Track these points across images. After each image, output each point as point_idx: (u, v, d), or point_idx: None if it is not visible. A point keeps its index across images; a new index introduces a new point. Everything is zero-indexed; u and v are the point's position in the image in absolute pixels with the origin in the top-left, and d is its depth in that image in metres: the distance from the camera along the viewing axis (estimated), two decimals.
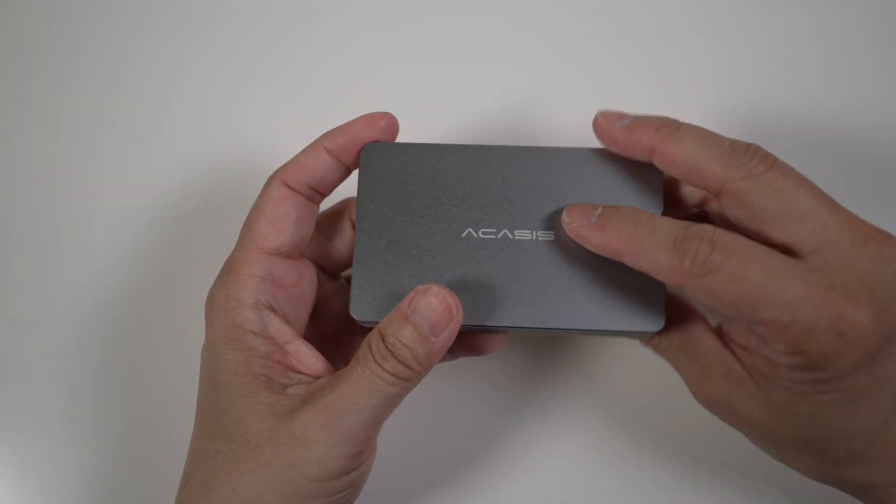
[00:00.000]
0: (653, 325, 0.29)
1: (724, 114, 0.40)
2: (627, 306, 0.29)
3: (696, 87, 0.41)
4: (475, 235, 0.30)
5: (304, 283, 0.32)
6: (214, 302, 0.29)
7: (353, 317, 0.30)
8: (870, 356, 0.24)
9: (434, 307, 0.27)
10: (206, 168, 0.42)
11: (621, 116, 0.28)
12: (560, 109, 0.41)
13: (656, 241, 0.26)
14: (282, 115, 0.42)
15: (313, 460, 0.27)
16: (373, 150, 0.31)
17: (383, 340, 0.27)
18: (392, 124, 0.31)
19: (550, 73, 0.42)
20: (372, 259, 0.30)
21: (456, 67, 0.42)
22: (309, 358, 0.30)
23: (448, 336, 0.27)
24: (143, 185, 0.42)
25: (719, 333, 0.29)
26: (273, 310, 0.30)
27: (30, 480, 0.38)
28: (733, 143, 0.26)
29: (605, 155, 0.30)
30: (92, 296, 0.40)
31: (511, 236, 0.30)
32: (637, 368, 0.37)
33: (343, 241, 0.34)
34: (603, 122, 0.29)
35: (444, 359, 0.33)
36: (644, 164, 0.29)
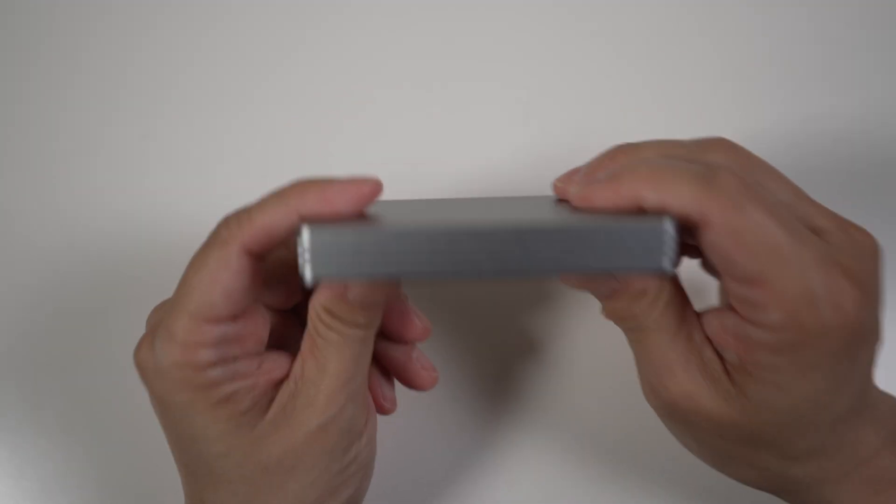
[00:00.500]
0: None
1: (728, 118, 0.40)
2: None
3: (696, 87, 0.41)
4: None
5: (259, 324, 0.28)
6: (166, 374, 0.26)
7: (306, 281, 0.24)
8: (856, 337, 0.24)
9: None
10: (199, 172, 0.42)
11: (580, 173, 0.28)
12: (559, 109, 0.41)
13: (680, 174, 0.24)
14: (282, 115, 0.42)
15: (340, 436, 0.28)
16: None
17: (332, 313, 0.27)
18: (377, 193, 0.25)
19: (550, 72, 0.42)
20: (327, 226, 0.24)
21: (456, 67, 0.42)
22: (282, 360, 0.29)
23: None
24: (139, 186, 0.42)
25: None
26: (236, 358, 0.27)
27: (30, 480, 0.38)
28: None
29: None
30: (93, 295, 0.40)
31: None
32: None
33: (286, 247, 0.29)
34: (584, 193, 0.25)
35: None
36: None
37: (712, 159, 0.26)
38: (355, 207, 0.25)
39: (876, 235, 0.26)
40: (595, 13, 0.42)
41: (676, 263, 0.24)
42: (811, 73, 0.41)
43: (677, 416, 0.27)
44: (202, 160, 0.42)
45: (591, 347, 0.39)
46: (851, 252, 0.25)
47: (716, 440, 0.27)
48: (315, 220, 0.24)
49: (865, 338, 0.25)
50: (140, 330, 0.39)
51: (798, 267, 0.23)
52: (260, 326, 0.28)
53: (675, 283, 0.27)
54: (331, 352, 0.27)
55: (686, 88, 0.41)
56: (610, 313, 0.28)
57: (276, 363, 0.29)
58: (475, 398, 0.39)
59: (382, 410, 0.33)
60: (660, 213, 0.24)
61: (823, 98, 0.40)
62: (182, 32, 0.44)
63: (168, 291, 0.42)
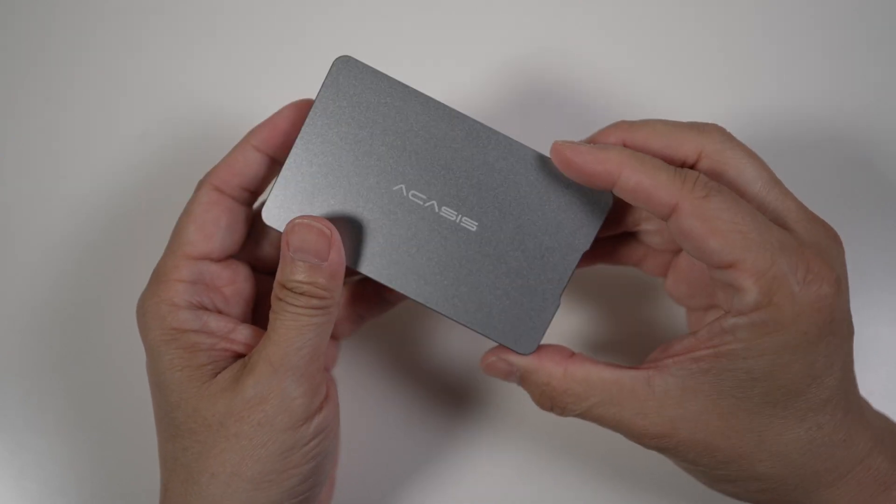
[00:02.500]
0: (525, 347, 0.30)
1: (728, 106, 0.40)
2: (510, 321, 0.29)
3: (698, 77, 0.41)
4: (404, 194, 0.30)
5: (239, 280, 0.31)
6: (147, 311, 0.29)
7: (263, 218, 0.30)
8: (829, 321, 0.25)
9: (308, 238, 0.28)
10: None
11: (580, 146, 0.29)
12: (556, 90, 0.41)
13: (661, 166, 0.26)
14: (272, 88, 0.42)
15: (275, 411, 0.27)
16: (345, 64, 0.29)
17: (285, 287, 0.28)
18: (305, 107, 0.31)
19: (547, 54, 0.41)
20: (300, 173, 0.30)
21: (449, 37, 0.42)
22: (255, 338, 0.30)
23: (336, 254, 0.28)
24: (136, 175, 0.41)
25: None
26: (209, 309, 0.30)
27: (30, 480, 0.38)
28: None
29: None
30: (94, 295, 0.40)
31: (437, 210, 0.30)
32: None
33: (271, 245, 0.33)
34: (568, 152, 0.28)
35: (356, 322, 0.36)
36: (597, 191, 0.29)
37: (702, 141, 0.27)
38: (296, 124, 0.30)
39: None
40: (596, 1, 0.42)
41: (535, 349, 0.30)
42: (813, 66, 0.40)
43: (674, 448, 0.28)
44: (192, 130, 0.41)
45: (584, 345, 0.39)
46: (817, 241, 0.26)
47: (714, 454, 0.28)
48: (265, 149, 0.31)
49: (838, 324, 0.26)
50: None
51: (766, 249, 0.25)
52: (240, 282, 0.31)
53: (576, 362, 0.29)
54: (278, 323, 0.28)
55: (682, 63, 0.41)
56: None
57: (247, 338, 0.30)
58: (457, 398, 0.39)
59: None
60: (631, 194, 0.27)
61: (823, 95, 0.40)
62: (177, 28, 0.43)
63: None
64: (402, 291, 0.30)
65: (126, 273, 0.40)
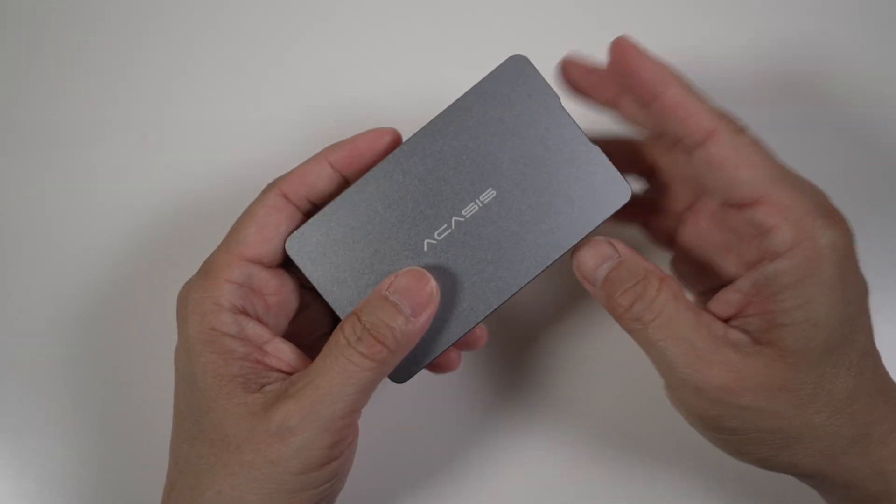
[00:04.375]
0: (622, 195, 0.29)
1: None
2: (592, 197, 0.29)
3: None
4: (435, 241, 0.29)
5: (285, 291, 0.31)
6: (189, 304, 0.29)
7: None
8: (856, 264, 0.27)
9: (413, 288, 0.27)
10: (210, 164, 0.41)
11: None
12: None
13: (703, 95, 0.28)
14: (281, 108, 0.42)
15: (292, 455, 0.27)
16: (295, 241, 0.30)
17: (360, 321, 0.27)
18: (396, 140, 0.30)
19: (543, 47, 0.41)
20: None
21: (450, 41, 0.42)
22: (289, 355, 0.29)
23: (426, 318, 0.28)
24: (144, 181, 0.41)
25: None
26: (249, 315, 0.29)
27: (30, 480, 0.38)
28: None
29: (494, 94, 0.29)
30: (93, 295, 0.40)
31: (462, 218, 0.29)
32: (635, 369, 0.37)
33: None
34: (631, 49, 0.28)
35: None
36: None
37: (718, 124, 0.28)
38: (378, 150, 0.30)
39: None
40: None
41: (629, 188, 0.29)
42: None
43: (727, 413, 0.27)
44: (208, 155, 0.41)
45: (599, 347, 0.39)
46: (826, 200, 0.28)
47: (772, 423, 0.27)
48: (339, 167, 0.30)
49: (858, 269, 0.27)
50: (142, 330, 0.40)
51: (793, 188, 0.26)
52: (285, 293, 0.31)
53: (673, 281, 0.28)
54: (328, 363, 0.27)
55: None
56: (628, 321, 0.28)
57: (281, 352, 0.29)
58: (491, 386, 0.39)
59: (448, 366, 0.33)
60: (672, 110, 0.28)
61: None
62: (179, 29, 0.43)
63: (171, 293, 0.42)
64: (512, 289, 0.29)
65: (128, 274, 0.40)
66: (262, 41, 0.43)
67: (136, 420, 0.38)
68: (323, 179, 0.30)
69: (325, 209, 0.30)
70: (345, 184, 0.31)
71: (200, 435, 0.28)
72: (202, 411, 0.28)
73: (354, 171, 0.30)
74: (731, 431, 0.28)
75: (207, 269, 0.29)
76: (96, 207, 0.41)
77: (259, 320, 0.30)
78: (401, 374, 0.30)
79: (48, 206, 0.41)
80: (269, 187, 0.30)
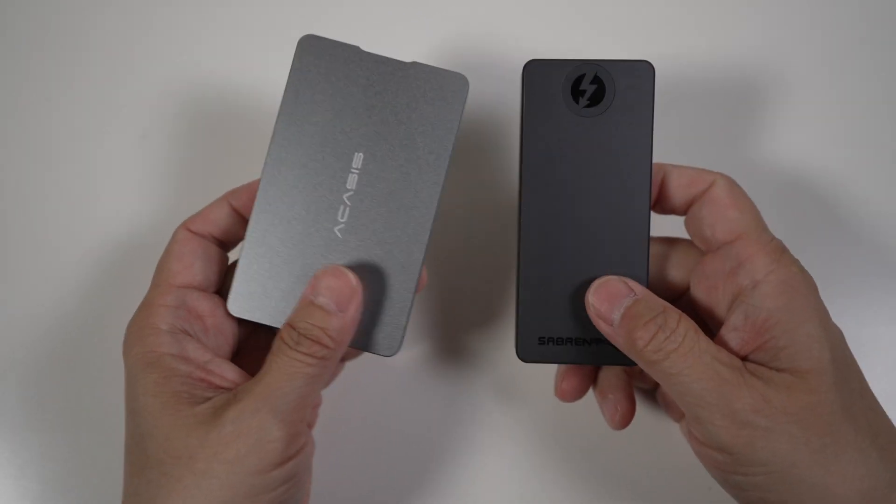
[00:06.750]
0: (462, 84, 0.31)
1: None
2: (439, 102, 0.31)
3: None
4: (343, 223, 0.31)
5: (219, 315, 0.32)
6: (130, 335, 0.30)
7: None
8: (817, 295, 0.29)
9: (334, 284, 0.29)
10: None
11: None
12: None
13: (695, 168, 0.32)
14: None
15: (249, 450, 0.27)
16: (233, 303, 0.31)
17: (294, 328, 0.28)
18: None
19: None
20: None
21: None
22: (232, 374, 0.30)
23: (355, 308, 0.29)
24: (143, 184, 0.41)
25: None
26: (189, 335, 0.30)
27: (30, 480, 0.38)
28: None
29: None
30: (93, 295, 0.40)
31: (351, 191, 0.31)
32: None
33: None
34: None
35: (338, 367, 0.35)
36: None
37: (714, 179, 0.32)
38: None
39: None
40: None
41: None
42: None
43: (758, 437, 0.27)
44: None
45: None
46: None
47: (797, 448, 0.26)
48: (238, 208, 0.33)
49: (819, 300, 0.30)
50: None
51: (768, 231, 0.30)
52: (219, 317, 0.32)
53: (689, 318, 0.28)
54: (273, 364, 0.28)
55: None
56: (650, 353, 0.28)
57: (224, 371, 0.30)
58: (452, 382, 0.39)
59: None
60: (677, 181, 0.32)
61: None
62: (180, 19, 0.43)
63: None
64: (422, 252, 0.31)
65: (127, 274, 0.40)
66: None
67: None
68: (223, 219, 0.33)
69: (240, 261, 0.31)
70: (243, 222, 0.32)
71: (148, 462, 0.28)
72: (147, 436, 0.28)
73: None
74: (762, 464, 0.27)
75: (143, 303, 0.31)
76: (96, 207, 0.41)
77: (200, 340, 0.31)
78: (388, 345, 0.31)
79: (49, 207, 0.41)
80: (178, 228, 0.32)
